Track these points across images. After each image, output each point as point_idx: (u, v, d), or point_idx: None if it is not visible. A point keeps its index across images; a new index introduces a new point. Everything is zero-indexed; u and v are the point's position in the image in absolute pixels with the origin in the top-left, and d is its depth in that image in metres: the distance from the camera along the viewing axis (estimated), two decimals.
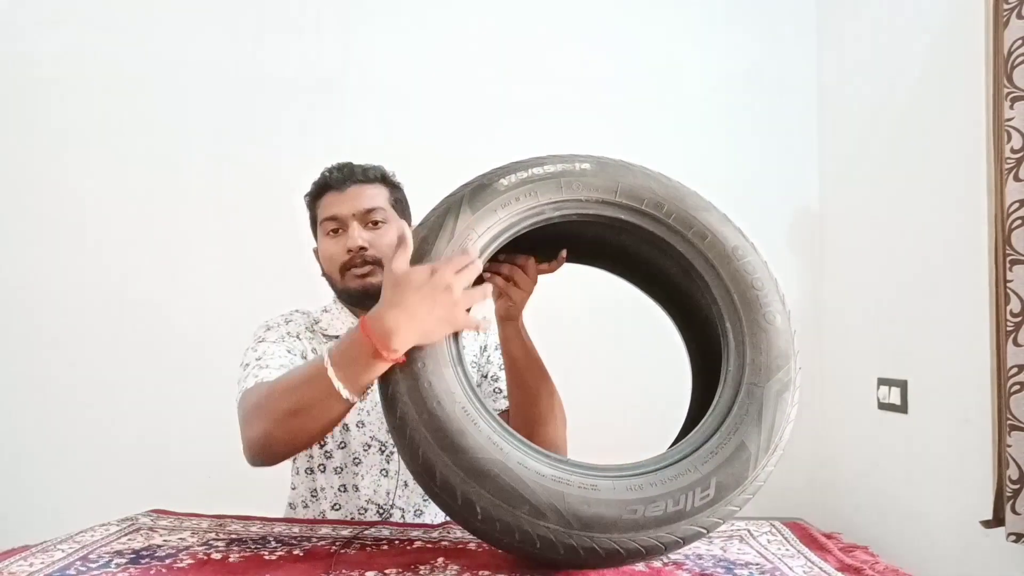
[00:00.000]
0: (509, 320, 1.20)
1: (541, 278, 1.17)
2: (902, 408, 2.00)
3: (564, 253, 1.14)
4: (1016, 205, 1.48)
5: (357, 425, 1.37)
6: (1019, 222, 1.47)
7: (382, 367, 0.89)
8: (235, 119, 2.50)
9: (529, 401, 1.24)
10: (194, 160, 2.50)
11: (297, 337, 1.35)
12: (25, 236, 2.50)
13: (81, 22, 2.51)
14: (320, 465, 1.38)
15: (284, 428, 0.99)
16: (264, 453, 1.05)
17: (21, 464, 2.46)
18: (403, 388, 0.89)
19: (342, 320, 1.39)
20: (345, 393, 0.92)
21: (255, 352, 1.28)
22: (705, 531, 0.90)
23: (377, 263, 1.31)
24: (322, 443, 1.38)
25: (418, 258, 0.94)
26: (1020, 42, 1.48)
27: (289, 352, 1.29)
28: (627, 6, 2.54)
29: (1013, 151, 1.48)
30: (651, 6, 2.55)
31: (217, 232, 2.48)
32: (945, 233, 1.83)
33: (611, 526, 0.86)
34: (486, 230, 0.97)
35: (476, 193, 0.98)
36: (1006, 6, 1.51)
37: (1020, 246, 1.47)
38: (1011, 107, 1.48)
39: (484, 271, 1.00)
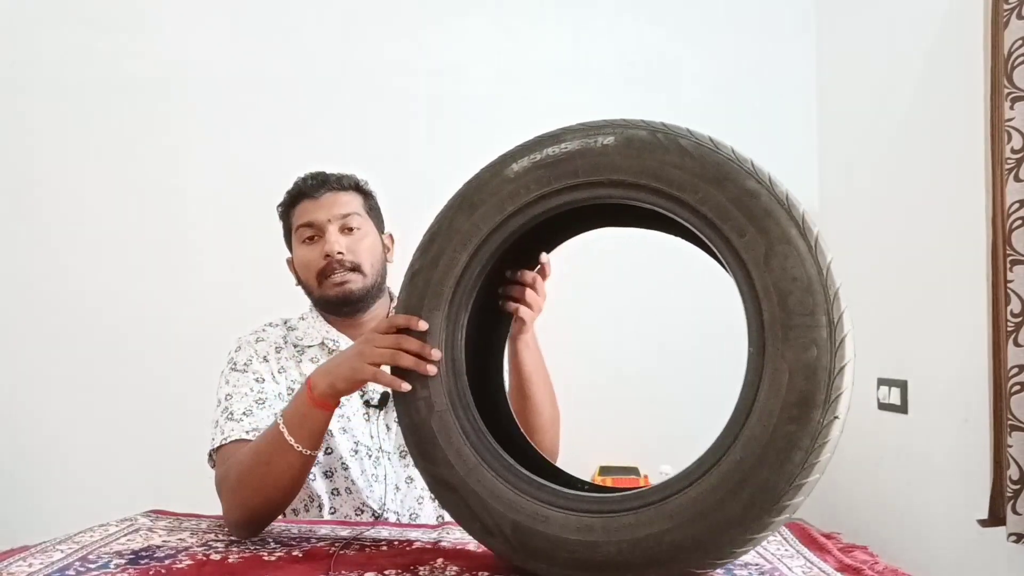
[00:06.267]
0: (521, 335, 1.20)
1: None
2: (902, 408, 2.00)
3: (545, 256, 1.11)
4: (1016, 205, 1.48)
5: (340, 431, 1.35)
6: (1019, 222, 1.47)
7: (316, 412, 1.05)
8: (235, 119, 2.49)
9: (533, 411, 1.26)
10: (194, 160, 2.50)
11: (265, 359, 1.35)
12: (25, 236, 2.50)
13: (81, 22, 2.51)
14: (311, 473, 1.36)
15: (259, 500, 1.10)
16: (249, 528, 1.14)
17: (21, 464, 2.46)
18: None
19: (317, 328, 1.39)
20: (292, 440, 1.04)
21: (224, 389, 1.31)
22: None
23: (355, 269, 1.31)
24: None
25: (415, 286, 0.95)
26: (1020, 42, 1.48)
27: (257, 382, 1.31)
28: (627, 6, 2.54)
29: (1013, 151, 1.48)
30: (651, 6, 2.54)
31: (217, 232, 2.48)
32: (945, 233, 1.83)
33: (552, 561, 0.85)
34: (492, 230, 0.91)
35: (482, 187, 0.91)
36: (1006, 6, 1.51)
37: (1020, 246, 1.47)
38: (1011, 107, 1.48)
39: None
